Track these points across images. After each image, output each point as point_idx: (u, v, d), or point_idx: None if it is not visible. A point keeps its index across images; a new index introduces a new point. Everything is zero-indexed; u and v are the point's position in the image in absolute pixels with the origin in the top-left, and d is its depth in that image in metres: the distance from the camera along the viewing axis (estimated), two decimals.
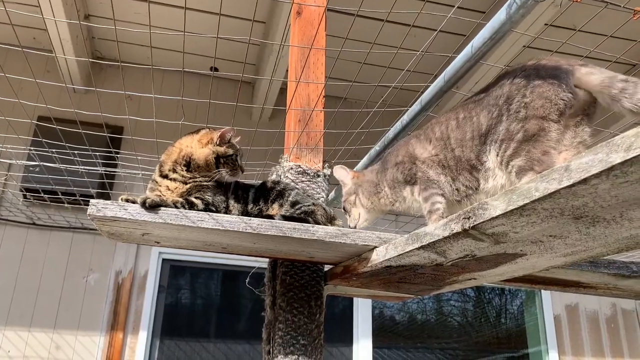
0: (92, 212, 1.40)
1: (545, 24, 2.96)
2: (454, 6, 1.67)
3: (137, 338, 3.84)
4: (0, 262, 3.84)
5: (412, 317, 4.91)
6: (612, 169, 0.75)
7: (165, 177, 1.60)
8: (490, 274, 1.49)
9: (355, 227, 1.80)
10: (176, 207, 1.45)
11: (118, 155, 3.56)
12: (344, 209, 1.85)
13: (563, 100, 1.39)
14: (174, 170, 1.61)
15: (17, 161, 3.17)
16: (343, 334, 4.31)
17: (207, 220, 1.43)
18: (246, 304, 4.38)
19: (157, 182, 1.60)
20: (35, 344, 3.68)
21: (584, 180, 0.80)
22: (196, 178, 1.60)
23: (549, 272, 1.56)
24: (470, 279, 1.59)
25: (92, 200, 1.42)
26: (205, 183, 1.59)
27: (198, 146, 1.65)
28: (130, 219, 1.41)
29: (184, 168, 1.61)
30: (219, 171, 1.62)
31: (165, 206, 1.42)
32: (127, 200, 1.43)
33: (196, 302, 4.39)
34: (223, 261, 4.20)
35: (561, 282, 1.76)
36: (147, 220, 1.41)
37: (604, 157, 0.77)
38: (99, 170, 3.07)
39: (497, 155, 1.48)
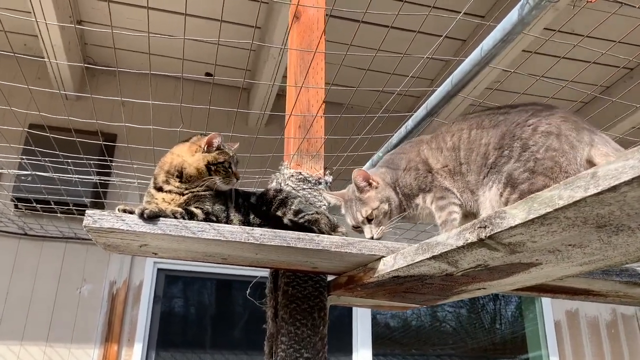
0: (89, 223, 1.34)
1: (545, 29, 2.95)
2: (453, 11, 1.63)
3: (132, 350, 3.75)
4: None
5: (414, 324, 4.86)
6: None
7: (160, 189, 1.54)
8: (501, 284, 1.45)
9: (379, 238, 1.69)
10: (175, 217, 1.40)
11: (112, 164, 3.49)
12: (367, 219, 1.68)
13: (573, 171, 1.40)
14: (168, 182, 1.55)
15: (8, 170, 3.10)
16: (342, 343, 4.25)
17: (208, 230, 1.38)
18: (244, 314, 4.31)
19: (152, 194, 1.55)
20: (27, 358, 3.59)
21: (613, 188, 0.76)
22: (192, 189, 1.54)
23: (560, 281, 1.53)
24: (479, 289, 1.54)
25: (88, 211, 1.36)
26: (202, 193, 1.53)
27: (188, 154, 1.60)
28: (128, 230, 1.36)
29: (177, 179, 1.55)
30: (211, 178, 1.56)
31: (164, 217, 1.37)
32: (124, 211, 1.39)
33: (192, 312, 4.32)
34: (220, 270, 4.13)
35: (570, 291, 1.72)
36: (146, 232, 1.36)
37: (637, 163, 0.73)
38: (92, 179, 3.01)
39: (502, 195, 1.48)
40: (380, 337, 4.54)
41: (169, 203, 1.50)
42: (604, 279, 1.53)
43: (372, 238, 1.65)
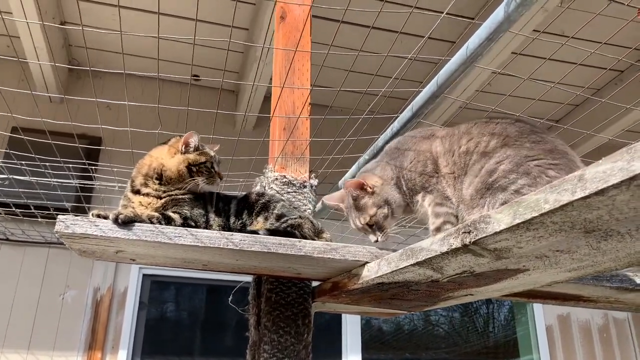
0: (60, 228, 1.30)
1: (535, 30, 2.92)
2: (442, 12, 1.59)
3: (116, 357, 3.67)
4: None
5: (407, 328, 4.82)
6: (634, 178, 0.67)
7: (138, 192, 1.50)
8: (488, 290, 1.41)
9: (383, 241, 1.61)
10: (152, 222, 1.35)
11: (96, 168, 3.42)
12: (367, 224, 1.58)
13: None
14: (146, 185, 1.51)
15: None
16: (331, 349, 4.19)
17: (185, 236, 1.33)
18: (231, 321, 4.24)
19: (129, 198, 1.50)
20: None
21: (601, 191, 0.72)
22: (171, 191, 1.50)
23: (549, 287, 1.49)
24: (466, 295, 1.50)
25: (60, 216, 1.31)
26: (181, 196, 1.49)
27: (168, 157, 1.56)
28: (101, 235, 1.31)
29: (157, 181, 1.52)
30: (193, 179, 1.53)
31: (140, 222, 1.33)
32: (98, 216, 1.34)
33: (179, 319, 4.24)
34: (207, 275, 4.07)
35: (560, 296, 1.68)
36: (120, 237, 1.31)
37: (625, 165, 0.69)
38: (72, 183, 2.94)
39: None
40: (372, 341, 4.50)
41: (146, 207, 1.46)
42: (595, 284, 1.49)
43: (376, 241, 1.57)
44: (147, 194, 1.49)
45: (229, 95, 4.60)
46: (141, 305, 3.93)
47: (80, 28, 3.18)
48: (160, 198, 1.48)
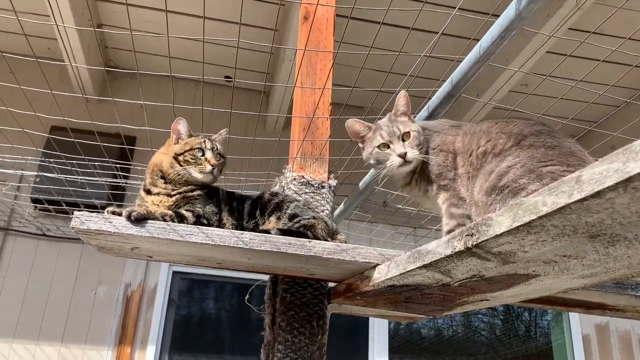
0: (76, 224, 1.32)
1: (570, 28, 2.82)
2: (466, 9, 1.55)
3: (145, 353, 3.76)
4: (10, 274, 3.81)
5: (435, 331, 4.75)
6: (630, 180, 0.64)
7: (149, 192, 1.52)
8: (503, 295, 1.36)
9: (411, 162, 1.50)
10: (164, 220, 1.37)
11: (130, 167, 3.50)
12: (404, 134, 1.52)
13: None
14: (154, 184, 1.53)
15: (15, 171, 3.14)
16: (358, 350, 4.16)
17: (197, 234, 1.34)
18: (259, 319, 4.27)
19: (142, 197, 1.53)
20: (42, 358, 3.63)
21: (598, 194, 0.68)
22: (179, 189, 1.51)
23: (569, 294, 1.43)
24: (482, 300, 1.46)
25: (76, 212, 1.35)
26: (191, 194, 1.50)
27: (165, 151, 1.58)
28: (115, 232, 1.33)
29: (162, 179, 1.53)
30: (184, 169, 1.51)
31: (153, 219, 1.34)
32: (113, 213, 1.37)
33: (207, 316, 4.29)
34: (235, 274, 4.10)
35: (584, 304, 1.62)
36: (133, 234, 1.33)
37: (620, 166, 0.65)
38: (97, 180, 3.01)
39: None
40: (409, 344, 4.46)
41: (158, 205, 1.48)
42: (618, 292, 1.43)
43: (404, 155, 1.49)
44: (158, 193, 1.51)
45: (259, 96, 4.63)
46: (170, 301, 3.99)
47: (117, 31, 3.26)
48: (171, 196, 1.49)
